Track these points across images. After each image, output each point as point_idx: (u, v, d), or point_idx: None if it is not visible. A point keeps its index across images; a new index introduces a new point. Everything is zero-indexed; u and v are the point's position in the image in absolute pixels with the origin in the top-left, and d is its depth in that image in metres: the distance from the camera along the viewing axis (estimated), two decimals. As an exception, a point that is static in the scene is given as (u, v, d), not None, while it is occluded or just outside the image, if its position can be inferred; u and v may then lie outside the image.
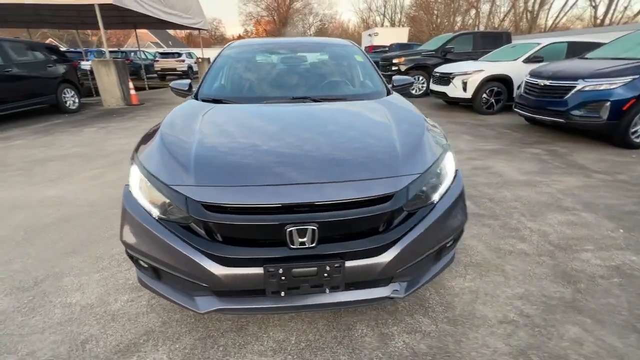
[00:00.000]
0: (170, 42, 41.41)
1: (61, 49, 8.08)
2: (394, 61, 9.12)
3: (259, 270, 1.21)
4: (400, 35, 22.91)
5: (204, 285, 1.26)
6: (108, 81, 8.10)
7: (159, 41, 40.70)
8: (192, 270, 1.23)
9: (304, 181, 1.28)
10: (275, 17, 53.49)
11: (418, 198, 1.38)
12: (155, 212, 1.31)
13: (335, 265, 1.22)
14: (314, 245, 1.21)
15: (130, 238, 1.35)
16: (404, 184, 1.32)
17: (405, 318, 1.57)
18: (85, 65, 9.42)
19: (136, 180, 1.42)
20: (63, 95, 7.20)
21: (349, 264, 1.25)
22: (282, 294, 1.26)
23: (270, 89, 2.28)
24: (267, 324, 1.53)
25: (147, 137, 1.70)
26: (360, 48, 2.83)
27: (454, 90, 6.72)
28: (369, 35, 24.44)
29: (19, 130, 5.69)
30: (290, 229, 1.18)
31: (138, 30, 16.51)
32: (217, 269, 1.21)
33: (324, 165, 1.36)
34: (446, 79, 6.88)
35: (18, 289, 1.79)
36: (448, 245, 1.55)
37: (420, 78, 9.06)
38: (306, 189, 1.25)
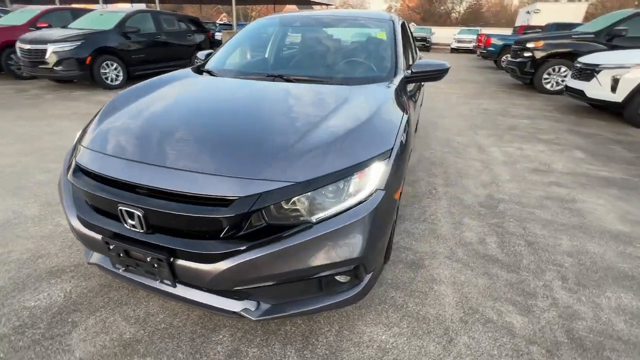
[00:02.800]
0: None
1: (202, 22, 9.61)
2: (529, 45, 7.24)
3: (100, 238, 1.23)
4: (573, 13, 17.84)
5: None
6: (231, 51, 9.33)
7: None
8: (69, 223, 1.35)
9: (159, 163, 1.19)
10: (421, -8, 49.65)
11: (285, 212, 1.11)
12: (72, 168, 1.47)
13: (159, 258, 1.12)
14: (143, 230, 1.14)
15: (59, 186, 1.56)
16: (257, 191, 1.07)
17: (274, 343, 1.34)
18: (219, 36, 11.04)
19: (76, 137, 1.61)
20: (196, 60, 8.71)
21: (181, 262, 1.13)
22: (121, 269, 1.26)
23: (256, 65, 2.16)
24: (154, 295, 1.57)
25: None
26: (395, 25, 2.32)
27: (596, 88, 4.91)
28: (527, 12, 20.00)
29: (156, 86, 7.23)
30: (120, 207, 1.14)
31: (287, 6, 18.32)
32: (78, 227, 1.29)
33: (200, 152, 1.23)
34: (589, 72, 5.07)
35: (48, 204, 2.36)
36: (341, 280, 1.22)
37: (562, 69, 6.96)
38: (148, 171, 1.16)
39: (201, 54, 2.61)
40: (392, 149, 1.33)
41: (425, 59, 2.12)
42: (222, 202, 1.07)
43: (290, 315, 1.25)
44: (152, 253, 1.12)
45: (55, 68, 5.90)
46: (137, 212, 1.11)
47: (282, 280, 1.14)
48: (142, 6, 20.90)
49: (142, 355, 1.28)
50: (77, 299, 1.53)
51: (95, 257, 1.46)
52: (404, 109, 1.68)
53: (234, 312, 1.21)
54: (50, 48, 5.76)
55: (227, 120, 1.40)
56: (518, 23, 20.07)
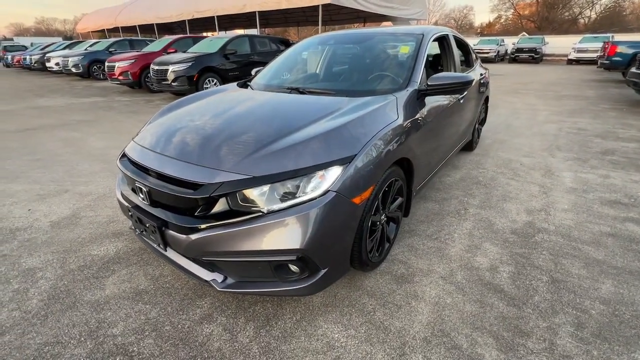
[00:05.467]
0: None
1: (291, 42, 10.66)
2: (660, 53, 5.82)
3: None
4: None
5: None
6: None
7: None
8: (116, 195, 1.82)
9: (174, 156, 1.52)
10: (539, -1, 43.79)
11: (243, 200, 1.32)
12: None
13: (154, 225, 1.45)
14: (148, 203, 1.49)
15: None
16: (220, 180, 1.31)
17: (241, 317, 1.53)
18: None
19: (141, 131, 2.14)
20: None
21: (169, 231, 1.43)
22: (137, 231, 1.64)
23: (283, 79, 2.43)
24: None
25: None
26: (423, 40, 2.29)
27: None
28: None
29: (245, 99, 8.35)
30: (136, 184, 1.52)
31: (385, 23, 19.13)
32: (120, 198, 1.74)
33: (194, 146, 1.52)
34: None
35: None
36: (293, 269, 1.36)
37: None
38: (155, 158, 1.52)
39: (254, 70, 3.04)
40: (356, 155, 1.40)
41: (447, 72, 2.06)
42: (193, 186, 1.34)
43: (249, 293, 1.43)
44: (151, 221, 1.46)
45: (172, 84, 7.43)
46: (144, 188, 1.47)
47: (237, 257, 1.34)
48: (254, 31, 24.26)
49: (144, 302, 1.64)
50: (122, 255, 2.02)
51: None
52: (397, 119, 1.70)
53: (205, 280, 1.46)
54: (170, 68, 7.29)
55: (225, 123, 1.69)
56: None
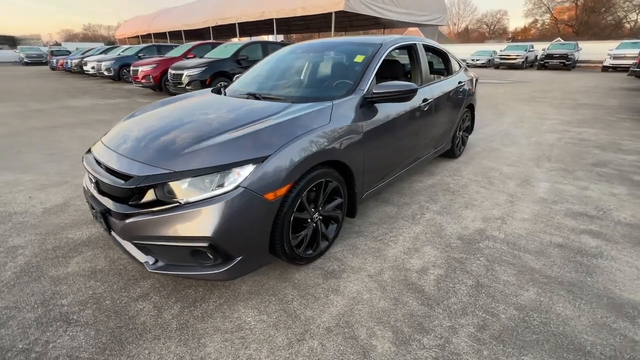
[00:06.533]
0: (435, 39, 42.88)
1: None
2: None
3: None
4: None
5: None
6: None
7: (424, 38, 43.11)
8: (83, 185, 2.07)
9: (120, 152, 1.74)
10: (578, 2, 41.48)
11: (166, 191, 1.50)
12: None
13: (99, 211, 1.66)
14: (97, 191, 1.72)
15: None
16: (147, 173, 1.50)
17: (172, 298, 1.71)
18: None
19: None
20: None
21: (112, 217, 1.65)
22: (93, 216, 1.87)
23: (248, 85, 2.61)
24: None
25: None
26: (380, 49, 2.39)
27: None
28: None
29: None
30: (89, 175, 1.75)
31: (410, 30, 19.22)
32: (84, 186, 1.99)
33: (136, 144, 1.73)
34: None
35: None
36: (209, 255, 1.52)
37: None
38: (107, 154, 1.74)
39: (235, 77, 3.26)
40: (270, 155, 1.54)
41: (393, 81, 2.14)
42: (124, 177, 1.54)
43: (175, 275, 1.61)
44: (97, 207, 1.68)
45: (187, 87, 7.89)
46: (93, 179, 1.70)
47: (160, 242, 1.51)
48: (280, 37, 24.94)
49: (96, 280, 1.86)
50: (92, 239, 2.27)
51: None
52: (327, 124, 1.83)
53: (140, 261, 1.65)
54: (185, 72, 7.76)
55: (168, 125, 1.88)
56: None
